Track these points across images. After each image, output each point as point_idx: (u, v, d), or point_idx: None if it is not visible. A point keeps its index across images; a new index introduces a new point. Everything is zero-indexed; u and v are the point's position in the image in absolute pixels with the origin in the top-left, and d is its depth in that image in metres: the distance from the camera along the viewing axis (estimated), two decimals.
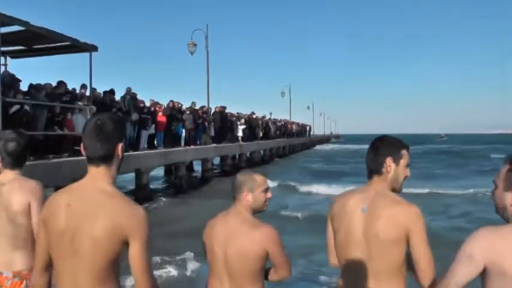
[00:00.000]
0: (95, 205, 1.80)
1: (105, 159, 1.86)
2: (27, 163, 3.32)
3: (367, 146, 2.39)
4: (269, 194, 2.64)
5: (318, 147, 63.89)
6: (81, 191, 1.86)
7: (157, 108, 17.06)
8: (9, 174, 2.88)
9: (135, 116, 14.75)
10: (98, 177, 1.86)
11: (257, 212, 2.64)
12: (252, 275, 2.51)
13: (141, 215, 1.82)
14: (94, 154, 1.85)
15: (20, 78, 10.97)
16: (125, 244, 1.79)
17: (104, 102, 13.32)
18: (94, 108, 12.08)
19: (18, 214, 2.78)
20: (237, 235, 2.50)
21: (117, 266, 1.83)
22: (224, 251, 2.53)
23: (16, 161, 2.89)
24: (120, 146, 1.90)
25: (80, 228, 1.78)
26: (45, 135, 10.74)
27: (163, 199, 15.31)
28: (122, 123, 2.00)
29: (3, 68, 11.35)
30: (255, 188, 2.59)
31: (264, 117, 33.71)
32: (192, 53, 20.86)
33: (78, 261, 1.78)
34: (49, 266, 1.94)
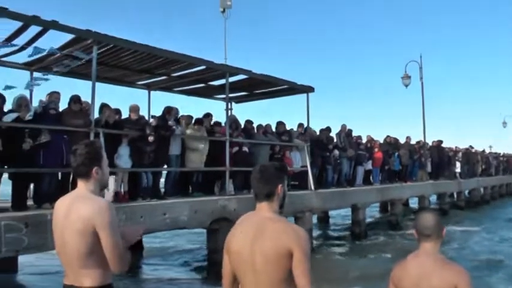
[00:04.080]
0: (262, 229, 2.11)
1: (267, 196, 2.20)
2: None
3: None
4: None
5: None
6: (250, 221, 2.20)
7: (373, 144, 15.73)
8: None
9: (350, 152, 13.74)
10: (262, 209, 2.21)
11: None
12: None
13: (301, 233, 2.10)
14: (258, 192, 2.22)
15: (252, 120, 11.26)
16: (290, 257, 2.03)
17: (319, 140, 12.61)
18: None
19: None
20: (429, 274, 2.44)
21: (290, 275, 2.04)
22: None
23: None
24: (279, 186, 2.22)
25: (252, 249, 2.09)
26: None
27: (379, 237, 13.51)
28: (283, 170, 2.31)
29: (229, 112, 11.62)
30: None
31: (483, 151, 29.25)
32: (406, 86, 18.93)
33: (256, 275, 2.08)
34: (234, 282, 2.26)
